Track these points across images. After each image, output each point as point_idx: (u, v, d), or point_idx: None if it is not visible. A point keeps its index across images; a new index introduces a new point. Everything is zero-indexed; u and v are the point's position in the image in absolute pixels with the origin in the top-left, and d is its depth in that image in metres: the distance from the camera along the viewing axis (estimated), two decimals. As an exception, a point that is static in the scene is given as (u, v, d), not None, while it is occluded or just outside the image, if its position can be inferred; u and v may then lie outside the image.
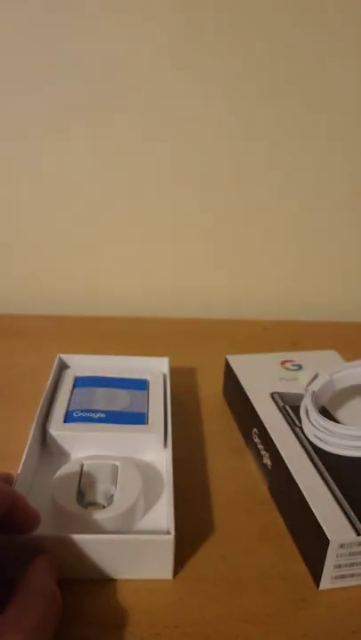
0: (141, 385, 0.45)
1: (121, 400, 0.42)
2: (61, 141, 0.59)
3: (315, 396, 0.40)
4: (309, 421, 0.38)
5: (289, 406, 0.41)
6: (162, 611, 0.30)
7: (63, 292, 0.67)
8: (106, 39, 0.54)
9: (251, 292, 0.68)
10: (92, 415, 0.40)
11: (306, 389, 0.41)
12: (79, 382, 0.44)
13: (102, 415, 0.40)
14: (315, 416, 0.38)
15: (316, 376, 0.42)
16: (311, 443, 0.37)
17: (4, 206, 0.62)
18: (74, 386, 0.44)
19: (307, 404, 0.39)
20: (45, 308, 0.65)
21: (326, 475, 0.34)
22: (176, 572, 0.32)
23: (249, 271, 0.67)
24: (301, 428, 0.38)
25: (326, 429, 0.37)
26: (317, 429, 0.37)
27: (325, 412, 0.41)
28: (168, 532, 0.31)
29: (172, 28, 0.54)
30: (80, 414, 0.40)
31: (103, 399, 0.42)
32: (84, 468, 0.35)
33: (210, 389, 0.50)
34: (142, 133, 0.59)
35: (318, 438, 0.36)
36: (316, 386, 0.41)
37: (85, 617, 0.29)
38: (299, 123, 0.59)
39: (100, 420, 0.40)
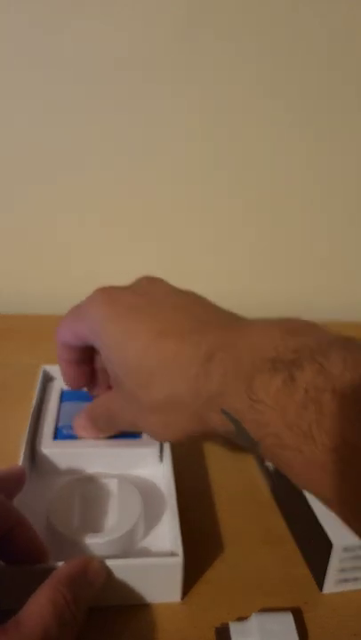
0: None
1: None
2: (61, 141, 0.58)
3: None
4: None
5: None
6: (162, 615, 0.29)
7: (63, 292, 0.66)
8: (106, 38, 0.54)
9: (251, 292, 0.68)
10: None
11: None
12: (66, 396, 0.42)
13: None
14: None
15: None
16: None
17: (3, 206, 0.62)
18: (61, 400, 0.42)
19: None
20: (45, 308, 0.65)
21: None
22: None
23: (249, 271, 0.67)
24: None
25: None
26: None
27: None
28: (173, 553, 0.29)
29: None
30: (70, 431, 0.38)
31: None
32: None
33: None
34: (143, 133, 0.58)
35: None
36: None
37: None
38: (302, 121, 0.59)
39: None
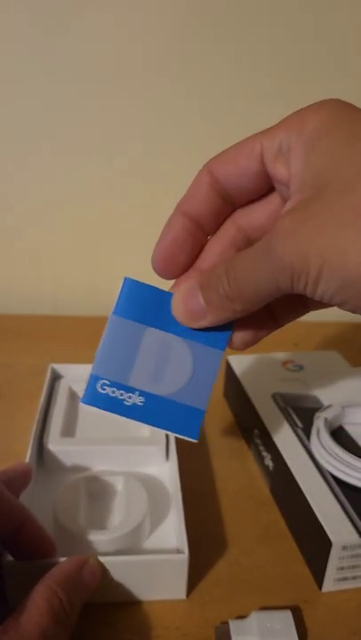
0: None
1: (177, 372, 0.26)
2: (61, 141, 0.59)
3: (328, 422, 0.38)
4: (320, 444, 0.36)
5: (290, 407, 0.41)
6: (162, 612, 0.29)
7: (63, 292, 0.67)
8: (105, 38, 0.54)
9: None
10: (127, 397, 0.25)
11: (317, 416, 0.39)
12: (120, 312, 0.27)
13: (141, 400, 0.26)
14: (326, 438, 0.36)
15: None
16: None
17: (3, 206, 0.62)
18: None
19: (319, 426, 0.37)
20: (45, 308, 0.65)
21: (328, 475, 0.34)
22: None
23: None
24: (303, 429, 0.38)
25: (338, 456, 0.34)
26: (329, 454, 0.35)
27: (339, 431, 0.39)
28: (178, 550, 0.29)
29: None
30: (108, 389, 0.25)
31: (150, 364, 0.26)
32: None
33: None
34: (142, 132, 0.58)
35: (331, 465, 0.34)
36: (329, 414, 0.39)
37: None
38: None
39: (134, 408, 0.26)
